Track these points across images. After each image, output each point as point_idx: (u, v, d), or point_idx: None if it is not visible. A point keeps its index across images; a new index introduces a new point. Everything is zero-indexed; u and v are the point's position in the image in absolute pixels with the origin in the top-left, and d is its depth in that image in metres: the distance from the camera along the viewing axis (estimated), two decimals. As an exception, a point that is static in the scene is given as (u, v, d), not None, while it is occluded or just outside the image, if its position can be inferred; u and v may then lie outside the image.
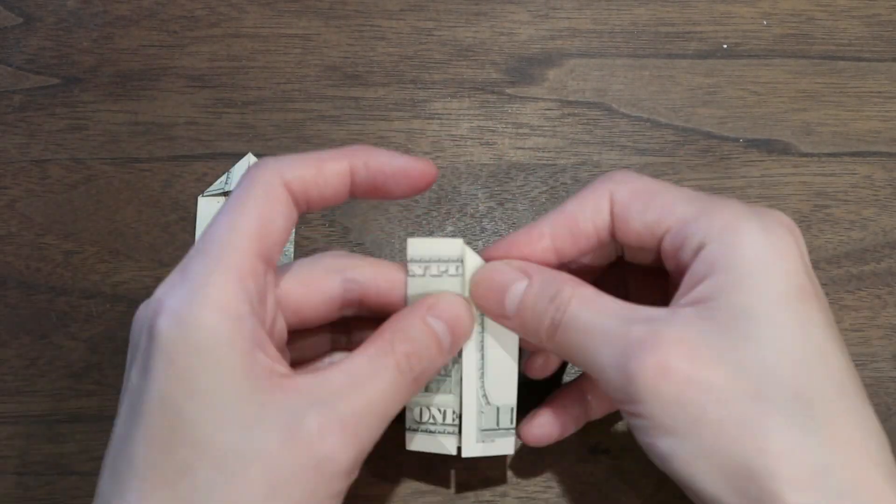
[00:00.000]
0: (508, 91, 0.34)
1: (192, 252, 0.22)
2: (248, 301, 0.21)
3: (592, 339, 0.23)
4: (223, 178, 0.32)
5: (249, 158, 0.33)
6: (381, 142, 0.33)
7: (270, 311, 0.23)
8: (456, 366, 0.26)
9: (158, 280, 0.31)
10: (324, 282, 0.25)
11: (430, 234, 0.32)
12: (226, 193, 0.32)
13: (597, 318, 0.23)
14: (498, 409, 0.26)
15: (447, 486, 0.30)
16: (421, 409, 0.26)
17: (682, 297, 0.22)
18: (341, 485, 0.22)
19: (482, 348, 0.26)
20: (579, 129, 0.34)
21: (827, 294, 0.32)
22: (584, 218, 0.25)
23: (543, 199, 0.33)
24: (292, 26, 0.35)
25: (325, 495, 0.21)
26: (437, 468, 0.30)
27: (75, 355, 0.31)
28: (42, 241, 0.32)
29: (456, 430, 0.26)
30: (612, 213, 0.24)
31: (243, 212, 0.22)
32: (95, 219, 0.32)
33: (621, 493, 0.30)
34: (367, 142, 0.33)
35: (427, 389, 0.26)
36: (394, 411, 0.23)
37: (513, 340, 0.26)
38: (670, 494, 0.30)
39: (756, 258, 0.22)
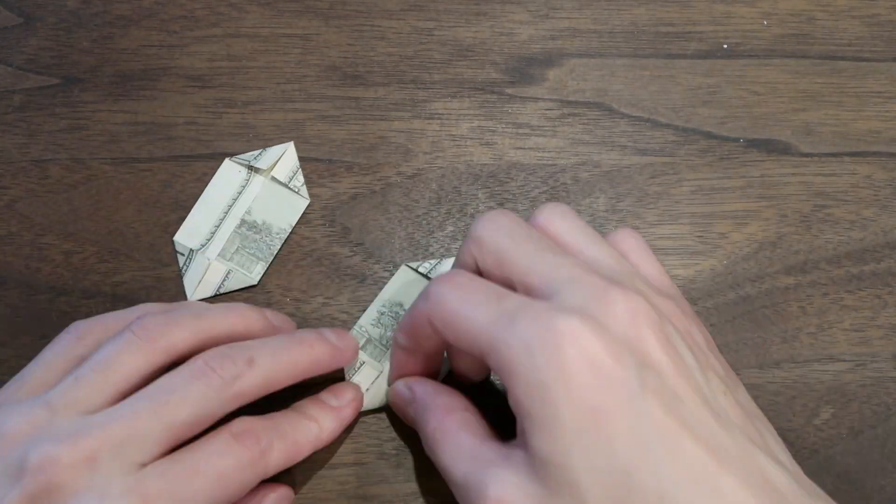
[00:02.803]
0: (508, 91, 0.34)
1: None
2: None
3: (448, 476, 0.24)
4: (257, 151, 0.33)
5: (290, 148, 0.33)
6: (381, 142, 0.33)
7: None
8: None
9: (158, 280, 0.31)
10: None
11: (430, 233, 0.32)
12: (252, 167, 0.32)
13: (450, 460, 0.24)
14: None
15: (447, 486, 0.30)
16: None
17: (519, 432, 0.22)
18: None
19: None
20: (579, 129, 0.34)
21: (827, 294, 0.32)
22: (425, 335, 0.25)
23: (543, 199, 0.33)
24: (292, 26, 0.35)
25: None
26: (436, 468, 0.30)
27: (75, 355, 0.31)
28: (42, 241, 0.32)
29: None
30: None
31: None
32: (95, 219, 0.32)
33: (621, 493, 0.30)
34: (367, 141, 0.33)
35: (363, 348, 0.30)
36: None
37: None
38: (670, 494, 0.30)
39: (540, 400, 0.21)
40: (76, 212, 0.32)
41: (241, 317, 0.27)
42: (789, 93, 0.34)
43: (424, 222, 0.32)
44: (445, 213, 0.32)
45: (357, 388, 0.29)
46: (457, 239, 0.32)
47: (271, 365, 0.25)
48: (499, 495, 0.21)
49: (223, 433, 0.24)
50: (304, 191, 0.32)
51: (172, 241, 0.32)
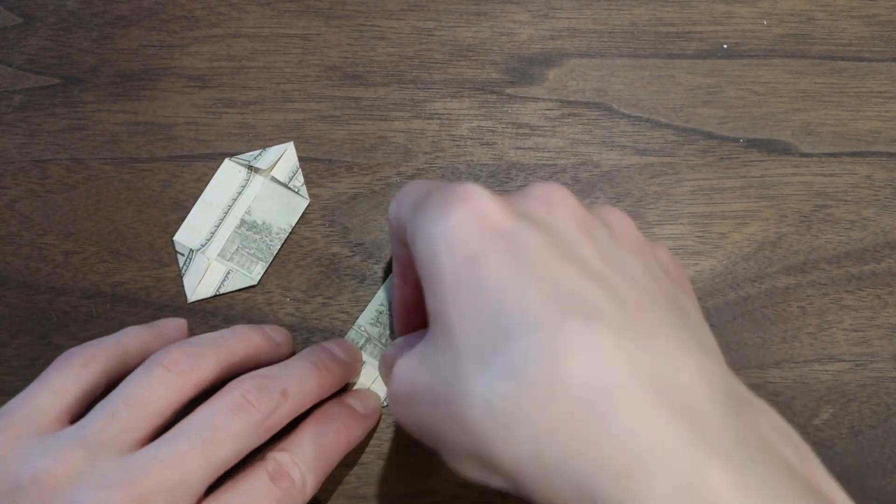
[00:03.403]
0: (508, 91, 0.34)
1: None
2: None
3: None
4: (257, 152, 0.33)
5: (290, 147, 0.33)
6: (381, 142, 0.33)
7: None
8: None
9: (158, 280, 0.31)
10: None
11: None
12: (251, 167, 0.32)
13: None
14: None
15: (447, 486, 0.30)
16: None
17: None
18: None
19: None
20: (579, 129, 0.34)
21: (827, 294, 0.32)
22: (405, 257, 0.25)
23: (543, 199, 0.33)
24: (292, 26, 0.35)
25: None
26: (436, 468, 0.30)
27: (75, 355, 0.31)
28: (42, 241, 0.32)
29: None
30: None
31: None
32: (95, 219, 0.32)
33: (621, 493, 0.30)
34: (367, 141, 0.33)
35: (363, 348, 0.30)
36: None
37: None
38: (670, 494, 0.30)
39: (429, 256, 0.20)
40: (76, 212, 0.32)
41: (250, 341, 0.27)
42: (789, 93, 0.34)
43: (424, 222, 0.32)
44: (445, 213, 0.32)
45: (377, 396, 0.30)
46: (457, 239, 0.32)
47: (301, 395, 0.26)
48: (400, 364, 0.21)
49: (261, 474, 0.24)
50: (303, 191, 0.32)
51: (172, 241, 0.32)
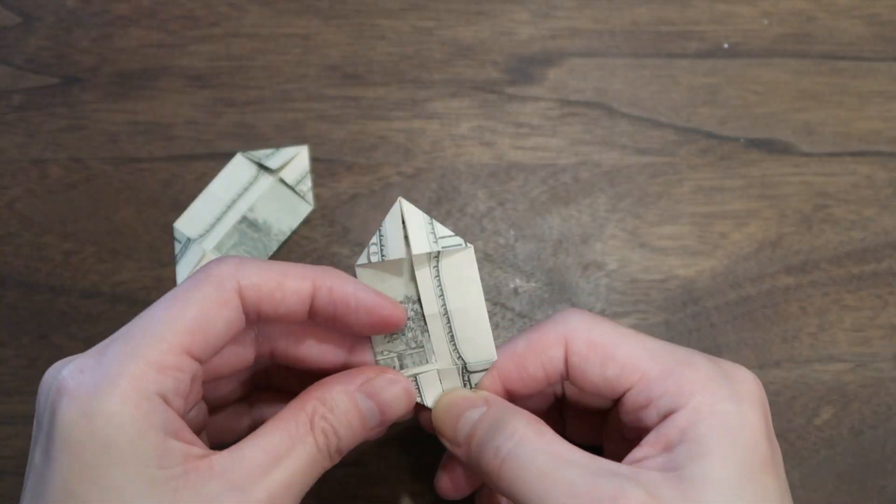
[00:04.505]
0: (508, 91, 0.34)
1: (118, 334, 0.21)
2: (164, 392, 0.20)
3: (545, 484, 0.21)
4: (270, 150, 0.33)
5: (304, 150, 0.33)
6: (381, 142, 0.33)
7: (192, 401, 0.22)
8: (425, 335, 0.26)
9: (158, 280, 0.31)
10: (297, 280, 0.23)
11: (430, 233, 0.32)
12: (262, 165, 0.32)
13: (553, 462, 0.22)
14: (473, 369, 0.26)
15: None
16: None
17: (646, 458, 0.22)
18: None
19: (446, 313, 0.26)
20: (579, 128, 0.34)
21: (827, 294, 0.32)
22: (536, 364, 0.24)
23: (544, 199, 0.33)
24: (292, 26, 0.35)
25: None
26: (436, 468, 0.30)
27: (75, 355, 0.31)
28: (42, 241, 0.32)
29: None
30: (566, 363, 0.24)
31: (184, 306, 0.21)
32: (95, 219, 0.32)
33: (621, 493, 0.30)
34: (367, 141, 0.33)
35: (403, 367, 0.26)
36: (311, 484, 0.22)
37: (475, 292, 0.26)
38: (670, 495, 0.30)
39: (726, 429, 0.21)
40: (76, 212, 0.32)
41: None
42: (790, 92, 0.34)
43: (424, 222, 0.32)
44: (445, 213, 0.32)
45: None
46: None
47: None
48: (648, 499, 0.20)
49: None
50: (309, 196, 0.32)
51: (172, 242, 0.32)
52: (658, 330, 0.31)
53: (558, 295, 0.32)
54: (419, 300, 0.25)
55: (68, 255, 0.32)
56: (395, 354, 0.26)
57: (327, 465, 0.23)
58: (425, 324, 0.26)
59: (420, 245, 0.25)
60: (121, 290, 0.31)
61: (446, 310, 0.26)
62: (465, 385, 0.26)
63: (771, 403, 0.31)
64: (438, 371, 0.26)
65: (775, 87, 0.34)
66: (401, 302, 0.25)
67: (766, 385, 0.31)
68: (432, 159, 0.33)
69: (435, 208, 0.32)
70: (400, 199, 0.25)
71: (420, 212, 0.25)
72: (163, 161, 0.33)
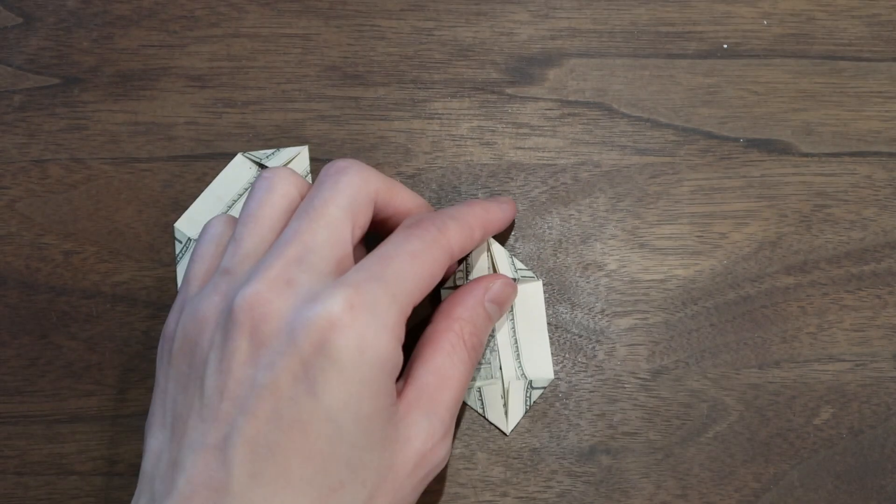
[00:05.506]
0: (508, 91, 0.34)
1: (371, 273, 0.24)
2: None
3: None
4: (271, 150, 0.33)
5: (304, 150, 0.33)
6: (381, 142, 0.33)
7: None
8: (493, 353, 0.30)
9: (159, 280, 0.31)
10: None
11: (430, 234, 0.32)
12: (262, 165, 0.32)
13: None
14: (536, 386, 0.30)
15: (447, 486, 0.30)
16: (471, 394, 0.30)
17: None
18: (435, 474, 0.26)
19: (514, 334, 0.30)
20: (579, 129, 0.34)
21: (827, 294, 0.32)
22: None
23: (543, 199, 0.33)
24: (292, 26, 0.35)
25: (424, 489, 0.25)
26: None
27: (75, 355, 0.31)
28: (42, 241, 0.32)
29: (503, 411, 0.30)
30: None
31: (422, 265, 0.25)
32: (95, 219, 0.32)
33: (621, 493, 0.30)
34: (367, 141, 0.33)
35: (473, 378, 0.30)
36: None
37: (541, 318, 0.31)
38: (670, 494, 0.30)
39: None
40: (76, 212, 0.32)
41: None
42: (789, 93, 0.34)
43: (424, 222, 0.32)
44: (445, 213, 0.32)
45: (512, 201, 0.31)
46: (457, 239, 0.32)
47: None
48: None
49: (399, 230, 0.26)
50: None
51: (172, 242, 0.32)
52: (658, 330, 0.31)
53: (558, 295, 0.32)
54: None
55: (68, 255, 0.32)
56: None
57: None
58: (495, 343, 0.30)
59: (505, 270, 0.31)
60: (121, 290, 0.31)
61: (514, 329, 0.30)
62: (526, 400, 0.30)
63: (771, 403, 0.31)
64: (505, 383, 0.30)
65: (775, 88, 0.34)
66: None
67: (766, 385, 0.31)
68: (432, 159, 0.33)
69: (435, 208, 0.32)
70: (490, 239, 0.31)
71: (502, 247, 0.31)
72: (163, 161, 0.33)
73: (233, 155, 0.33)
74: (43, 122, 0.33)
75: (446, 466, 0.30)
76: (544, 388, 0.30)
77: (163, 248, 0.32)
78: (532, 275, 0.31)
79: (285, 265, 0.23)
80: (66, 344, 0.31)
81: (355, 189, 0.25)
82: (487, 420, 0.30)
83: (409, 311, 0.24)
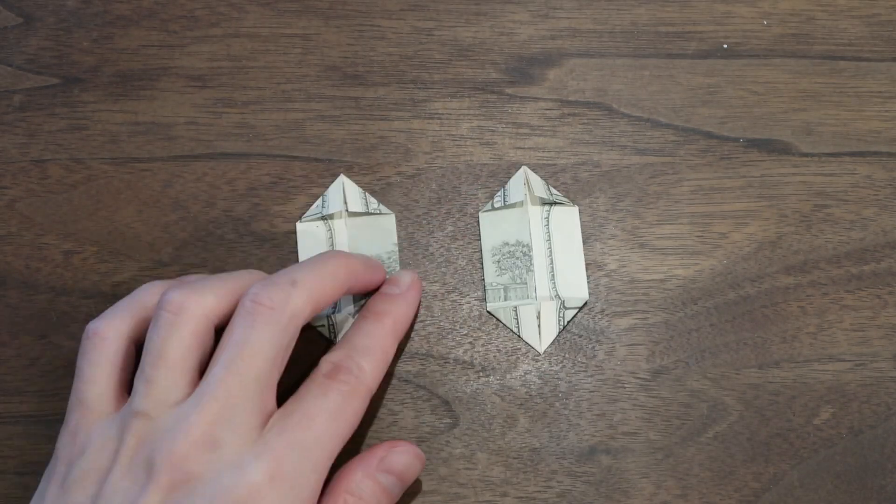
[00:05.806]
0: (508, 91, 0.34)
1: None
2: None
3: None
4: (318, 202, 0.32)
5: (343, 179, 0.32)
6: (381, 142, 0.33)
7: None
8: (530, 273, 0.31)
9: (158, 280, 0.31)
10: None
11: (430, 233, 0.32)
12: (324, 218, 0.32)
13: None
14: (568, 306, 0.31)
15: (447, 485, 0.30)
16: (507, 313, 0.31)
17: None
18: None
19: (550, 254, 0.31)
20: (579, 129, 0.34)
21: (827, 294, 0.32)
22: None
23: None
24: (292, 26, 0.35)
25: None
26: (436, 468, 0.30)
27: (75, 355, 0.31)
28: (42, 241, 0.32)
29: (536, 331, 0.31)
30: None
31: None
32: (95, 219, 0.32)
33: (621, 493, 0.30)
34: (367, 141, 0.33)
35: (507, 298, 0.31)
36: None
37: (577, 241, 0.32)
38: (670, 494, 0.30)
39: None
40: (76, 212, 0.32)
41: (250, 275, 0.27)
42: (789, 93, 0.34)
43: (424, 222, 0.32)
44: (445, 213, 0.32)
45: (413, 271, 0.31)
46: (457, 238, 0.32)
47: (313, 280, 0.26)
48: None
49: (317, 378, 0.25)
50: (383, 207, 0.32)
51: (172, 241, 0.32)
52: (658, 330, 0.31)
53: (558, 295, 0.32)
54: (530, 242, 0.31)
55: (69, 256, 0.32)
56: (503, 287, 0.31)
57: None
58: (531, 263, 0.31)
59: (540, 192, 0.32)
60: (121, 290, 0.31)
61: (551, 251, 0.31)
62: (559, 320, 0.31)
63: (770, 403, 0.31)
64: (538, 303, 0.31)
65: (775, 88, 0.34)
66: (512, 245, 0.31)
67: (766, 385, 0.31)
68: (432, 159, 0.33)
69: (435, 208, 0.33)
70: (524, 167, 0.32)
71: (540, 178, 0.32)
72: (163, 161, 0.33)
73: (233, 155, 0.33)
74: (43, 122, 0.33)
75: (446, 467, 0.30)
76: (578, 308, 0.31)
77: (163, 248, 0.32)
78: (569, 202, 0.32)
79: (210, 424, 0.23)
80: (66, 344, 0.31)
81: (278, 333, 0.24)
82: (522, 339, 0.31)
83: (327, 471, 0.24)
